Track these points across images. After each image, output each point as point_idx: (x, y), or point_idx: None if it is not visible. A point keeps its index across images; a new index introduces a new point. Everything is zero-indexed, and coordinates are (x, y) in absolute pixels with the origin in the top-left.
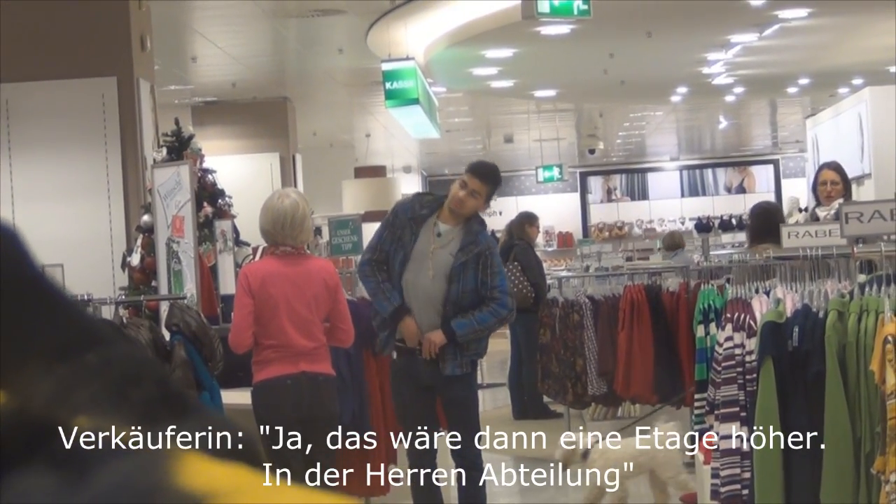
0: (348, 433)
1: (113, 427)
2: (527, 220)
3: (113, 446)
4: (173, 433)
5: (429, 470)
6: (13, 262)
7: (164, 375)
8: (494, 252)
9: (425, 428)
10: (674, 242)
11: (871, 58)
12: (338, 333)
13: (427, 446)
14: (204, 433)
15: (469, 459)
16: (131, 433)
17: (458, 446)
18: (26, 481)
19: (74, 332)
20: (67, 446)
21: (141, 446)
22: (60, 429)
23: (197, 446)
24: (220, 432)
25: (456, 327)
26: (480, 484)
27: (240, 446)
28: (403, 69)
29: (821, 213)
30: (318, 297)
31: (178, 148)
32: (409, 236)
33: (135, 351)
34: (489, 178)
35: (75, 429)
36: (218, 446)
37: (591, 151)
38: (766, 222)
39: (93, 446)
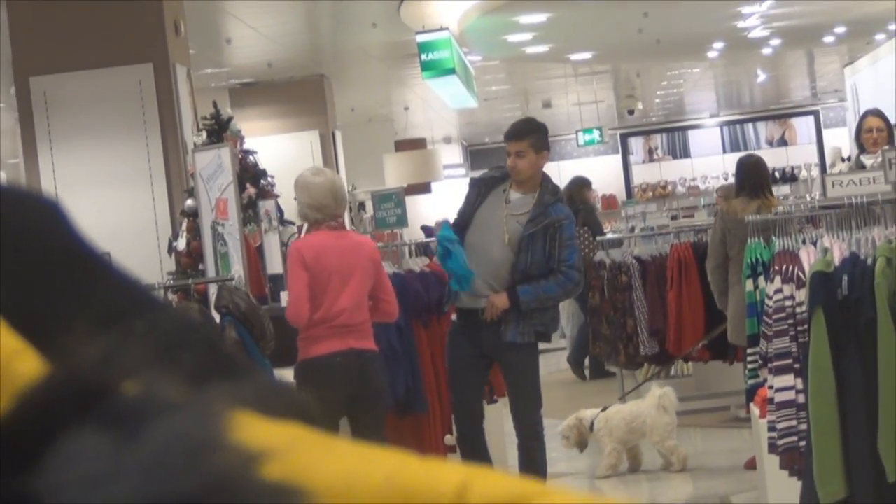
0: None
1: (163, 387)
2: (583, 184)
3: (165, 405)
4: (226, 392)
5: (475, 433)
6: (57, 231)
7: (216, 339)
8: (566, 225)
9: (473, 392)
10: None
11: None
12: (382, 306)
13: (473, 415)
14: (258, 393)
15: (528, 431)
16: (183, 393)
17: (517, 415)
18: (81, 440)
19: (123, 299)
20: (119, 407)
21: (194, 405)
22: (112, 390)
23: (251, 405)
24: (275, 392)
25: (521, 293)
26: (540, 456)
27: (294, 406)
28: (438, 40)
29: (867, 160)
30: (365, 270)
31: (218, 131)
32: (474, 196)
33: (185, 316)
34: (521, 133)
35: (127, 390)
36: (272, 406)
37: (631, 112)
38: (761, 173)
39: (145, 405)
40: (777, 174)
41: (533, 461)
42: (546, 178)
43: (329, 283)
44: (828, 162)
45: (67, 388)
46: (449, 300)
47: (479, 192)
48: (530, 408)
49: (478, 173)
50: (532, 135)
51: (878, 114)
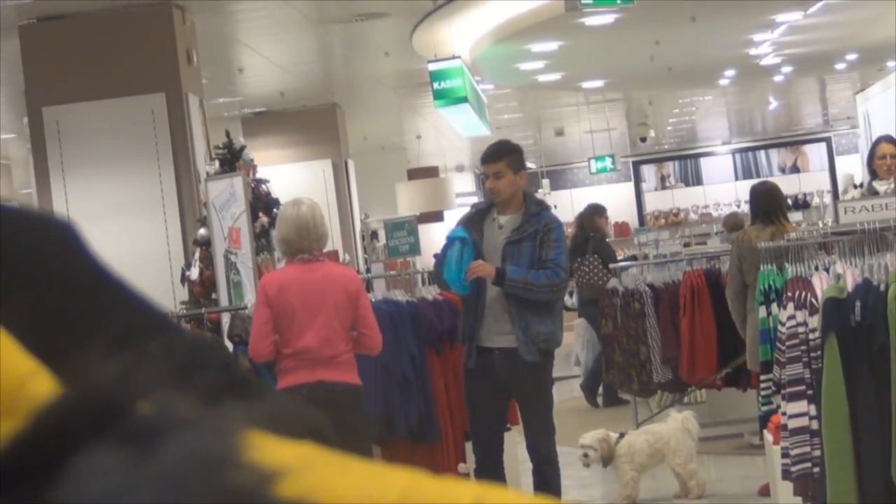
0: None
1: (178, 406)
2: (596, 212)
3: (180, 423)
4: (239, 413)
5: (495, 463)
6: (71, 253)
7: (230, 361)
8: (553, 228)
9: (494, 425)
10: (737, 223)
11: None
12: (363, 340)
13: (495, 443)
14: (272, 412)
15: (542, 455)
16: (198, 412)
17: (531, 441)
18: (96, 457)
19: (138, 320)
20: (133, 425)
21: (209, 423)
22: (127, 409)
23: (264, 425)
24: (288, 413)
25: (508, 271)
26: (555, 480)
27: (308, 426)
28: (450, 68)
29: (879, 186)
30: (338, 303)
31: (231, 160)
32: (476, 235)
33: (200, 338)
34: (497, 154)
35: (141, 408)
36: (286, 426)
37: (643, 140)
38: (775, 200)
39: (160, 423)
40: (789, 201)
41: (548, 484)
42: (528, 195)
43: (294, 317)
44: (840, 188)
45: (83, 406)
46: (471, 343)
47: (477, 230)
48: (545, 432)
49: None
50: (508, 156)
51: (890, 140)
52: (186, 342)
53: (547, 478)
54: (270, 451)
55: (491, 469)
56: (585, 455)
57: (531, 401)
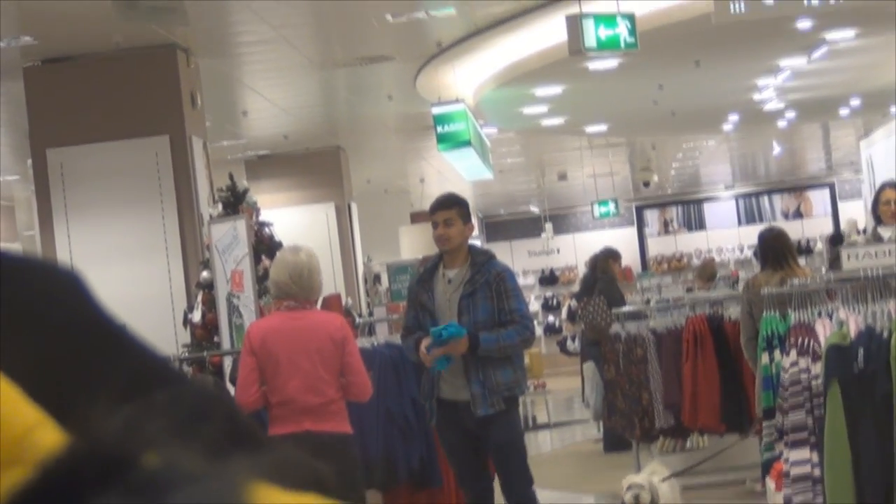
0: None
1: (183, 459)
2: (610, 256)
3: (185, 476)
4: (245, 464)
5: None
6: (77, 302)
7: (235, 412)
8: (507, 277)
9: (477, 474)
10: (712, 272)
11: None
12: (351, 388)
13: (482, 493)
14: (276, 464)
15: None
16: (201, 465)
17: (508, 493)
18: None
19: (143, 371)
20: (139, 478)
21: (213, 476)
22: (132, 461)
23: (269, 477)
24: (293, 464)
25: (481, 339)
26: None
27: (312, 478)
28: (454, 112)
29: (884, 232)
30: (323, 351)
31: (234, 202)
32: (426, 297)
33: (205, 388)
34: (449, 202)
35: (145, 463)
36: (290, 478)
37: (646, 184)
38: (784, 245)
39: (165, 476)
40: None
41: None
42: (472, 246)
43: (278, 366)
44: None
45: (88, 458)
46: (431, 400)
47: (426, 291)
48: (521, 482)
49: (494, 245)
50: (458, 205)
51: (894, 185)
52: (191, 393)
53: None
54: (275, 502)
55: None
56: (637, 497)
57: (501, 451)
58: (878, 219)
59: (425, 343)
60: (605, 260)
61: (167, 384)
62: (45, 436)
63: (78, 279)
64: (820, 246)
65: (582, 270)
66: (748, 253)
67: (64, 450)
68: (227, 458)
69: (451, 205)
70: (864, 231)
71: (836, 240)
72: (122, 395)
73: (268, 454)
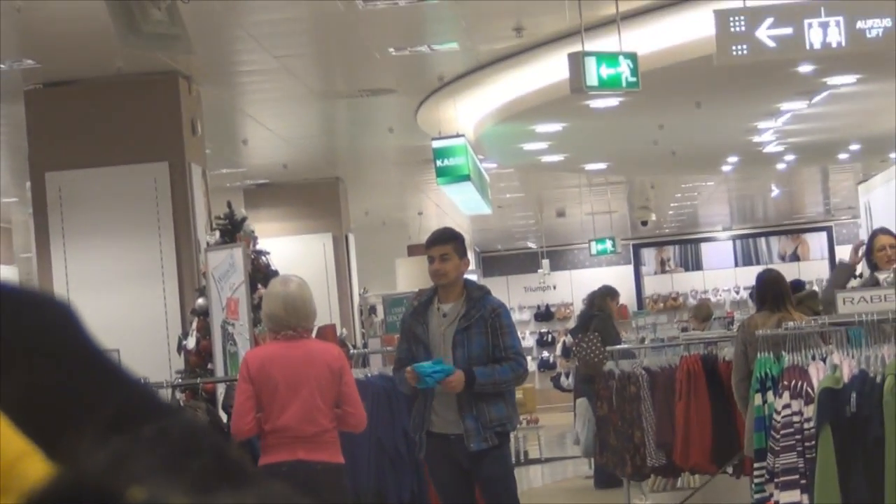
0: None
1: (168, 495)
2: (608, 294)
3: None
4: (229, 500)
5: None
6: (69, 336)
7: (222, 446)
8: (502, 313)
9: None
10: (708, 313)
11: None
12: (347, 418)
13: None
14: (261, 500)
15: None
16: (186, 500)
17: None
18: None
19: (132, 404)
20: None
21: None
22: (118, 495)
23: None
24: (277, 500)
25: (477, 374)
26: None
27: None
28: (454, 146)
29: (880, 276)
30: (320, 380)
31: (232, 231)
32: (421, 329)
33: (193, 422)
34: (445, 238)
35: (131, 497)
36: None
37: (644, 223)
38: (782, 287)
39: None
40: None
41: None
42: (468, 281)
43: (276, 394)
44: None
45: (74, 490)
46: (421, 433)
47: (421, 324)
48: None
49: (490, 280)
50: (454, 241)
51: (887, 231)
52: (179, 427)
53: None
54: None
55: None
56: None
57: (492, 486)
58: (873, 266)
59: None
60: (603, 297)
61: (155, 417)
62: (33, 466)
63: (69, 311)
64: (816, 289)
65: (578, 307)
66: (744, 294)
67: (50, 481)
68: (212, 494)
69: (448, 240)
70: (861, 276)
71: (796, 288)
72: (110, 428)
73: (253, 490)
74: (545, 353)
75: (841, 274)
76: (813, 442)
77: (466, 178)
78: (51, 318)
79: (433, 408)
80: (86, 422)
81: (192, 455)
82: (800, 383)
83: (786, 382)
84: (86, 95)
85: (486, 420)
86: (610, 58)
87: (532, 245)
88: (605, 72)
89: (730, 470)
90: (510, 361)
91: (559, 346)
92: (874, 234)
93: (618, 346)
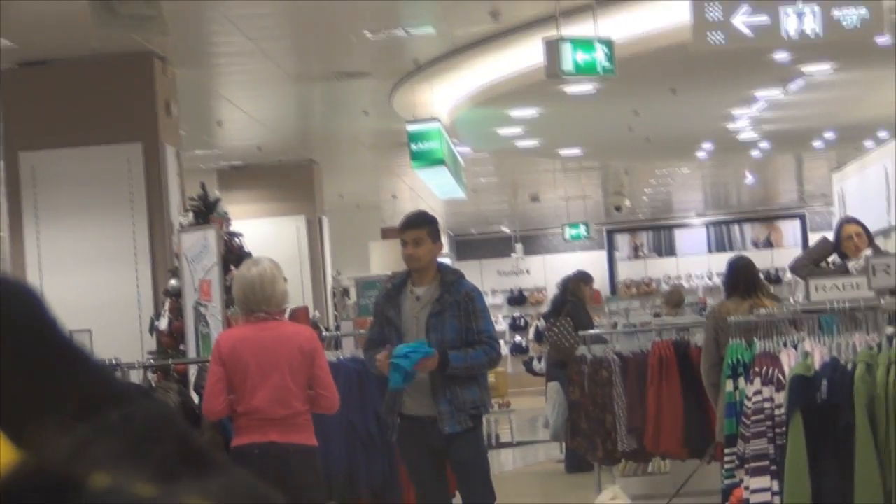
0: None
1: (132, 482)
2: (583, 279)
3: (132, 499)
4: (193, 488)
5: None
6: (34, 322)
7: (187, 432)
8: (475, 297)
9: (439, 492)
10: (680, 299)
11: None
12: (319, 400)
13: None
14: (225, 488)
15: None
16: (150, 487)
17: None
18: None
19: (97, 390)
20: (87, 499)
21: (159, 501)
22: (81, 482)
23: (217, 500)
24: (241, 489)
25: (451, 357)
26: None
27: (260, 502)
28: (429, 130)
29: (850, 264)
30: (292, 362)
31: (205, 212)
32: (393, 312)
33: (158, 409)
34: (419, 222)
35: (94, 484)
36: (238, 501)
37: (618, 209)
38: (754, 274)
39: (111, 499)
40: (762, 276)
41: None
42: (442, 265)
43: (247, 376)
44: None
45: (38, 478)
46: (393, 416)
47: (393, 307)
48: (483, 499)
49: (464, 264)
50: (428, 225)
51: (854, 220)
52: (144, 414)
53: None
54: None
55: None
56: None
57: (466, 469)
58: (842, 255)
59: (384, 355)
60: (577, 282)
61: (120, 404)
62: None
63: (33, 295)
64: (789, 276)
65: (551, 291)
66: (717, 280)
67: (13, 468)
68: (175, 481)
69: (421, 224)
70: (833, 263)
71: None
72: (75, 415)
73: (217, 477)
74: (518, 338)
75: (820, 249)
76: (783, 428)
77: (441, 162)
78: (14, 303)
79: (406, 390)
80: (50, 409)
81: (157, 442)
82: (771, 370)
83: (757, 369)
84: (61, 75)
85: (461, 403)
86: (586, 44)
87: (506, 229)
88: (581, 57)
89: (707, 459)
90: (483, 345)
91: (532, 331)
92: (840, 225)
93: (590, 332)
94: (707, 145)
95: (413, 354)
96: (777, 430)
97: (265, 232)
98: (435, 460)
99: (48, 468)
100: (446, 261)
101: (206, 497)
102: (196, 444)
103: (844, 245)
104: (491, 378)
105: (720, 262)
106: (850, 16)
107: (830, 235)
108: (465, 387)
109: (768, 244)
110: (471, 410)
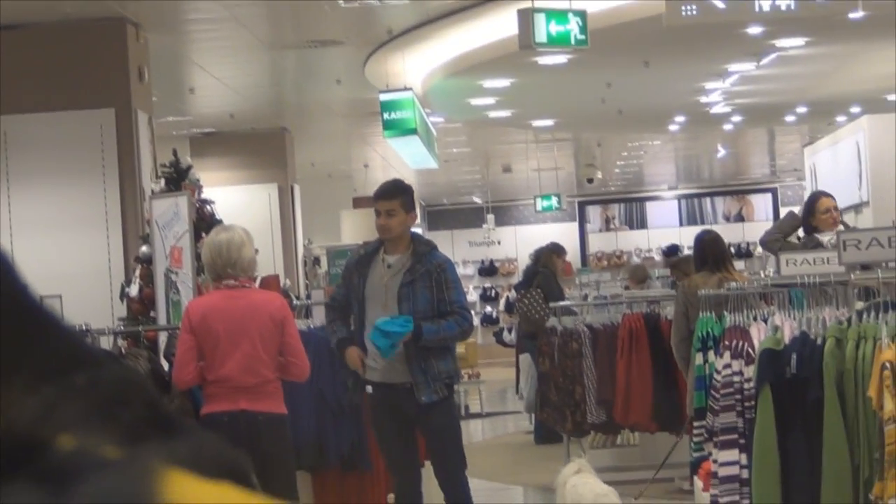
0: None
1: (98, 444)
2: (554, 251)
3: (98, 462)
4: (160, 451)
5: (414, 497)
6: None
7: (155, 397)
8: (447, 268)
9: (408, 460)
10: (644, 275)
11: (869, 86)
12: (290, 367)
13: (411, 479)
14: (193, 452)
15: (455, 490)
16: (117, 450)
17: (442, 479)
18: (10, 497)
19: (63, 353)
20: (51, 463)
21: (126, 462)
22: (46, 444)
23: (184, 465)
24: (210, 452)
25: (424, 329)
26: None
27: (228, 466)
28: (401, 99)
29: (823, 238)
30: (262, 331)
31: (177, 179)
32: (357, 279)
33: (125, 373)
34: (392, 192)
35: (60, 446)
36: (207, 466)
37: (590, 181)
38: (722, 248)
39: (78, 461)
40: (732, 250)
41: None
42: (416, 235)
43: (217, 345)
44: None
45: (1, 440)
46: (353, 395)
47: (360, 274)
48: (455, 468)
49: (435, 234)
50: (402, 195)
51: (829, 194)
52: (110, 376)
53: None
54: (188, 492)
55: (411, 502)
56: None
57: (440, 437)
58: (813, 229)
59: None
60: (549, 254)
61: (86, 367)
62: None
63: (2, 259)
64: (760, 250)
65: (522, 263)
66: (689, 254)
67: None
68: (143, 444)
69: (395, 195)
70: (799, 238)
71: (670, 254)
72: (40, 377)
73: (184, 441)
74: (488, 308)
75: (789, 223)
76: (752, 402)
77: (413, 131)
78: None
79: (375, 357)
80: (14, 371)
81: (124, 405)
82: (741, 343)
83: (727, 342)
84: (33, 40)
85: (435, 373)
86: (559, 15)
87: (478, 200)
88: (554, 28)
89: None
90: (456, 316)
91: (502, 302)
92: (816, 197)
93: (560, 303)
94: (679, 118)
95: (393, 335)
96: (746, 404)
97: (237, 199)
98: (405, 428)
99: (13, 429)
100: (417, 231)
101: (173, 460)
102: (164, 409)
103: (820, 219)
104: (461, 349)
105: (691, 235)
106: None
107: (799, 210)
108: (440, 357)
109: (740, 218)
110: (445, 380)
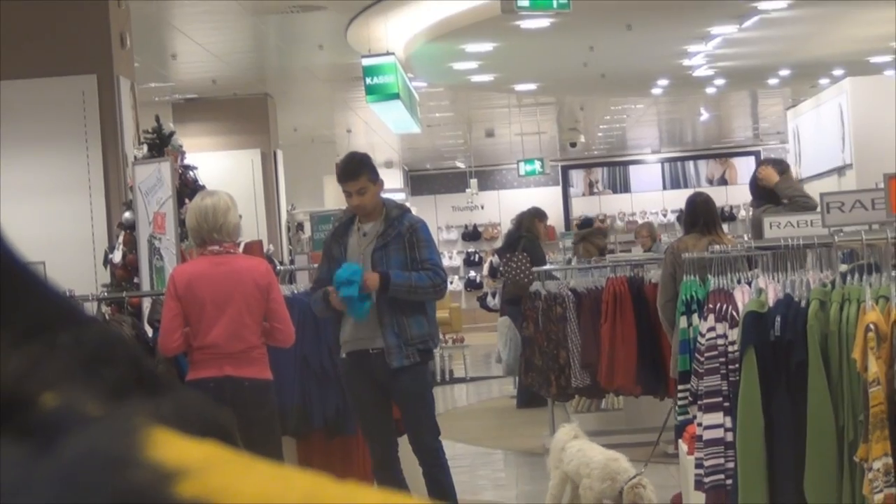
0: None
1: (83, 401)
2: (537, 215)
3: (82, 418)
4: (144, 408)
5: (391, 463)
6: None
7: (139, 356)
8: (420, 228)
9: (383, 425)
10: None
11: (852, 48)
12: (275, 333)
13: (387, 446)
14: (177, 410)
15: (429, 458)
16: (101, 407)
17: (416, 444)
18: None
19: (47, 311)
20: (35, 419)
21: (110, 419)
22: (29, 401)
23: (168, 422)
24: (194, 410)
25: (392, 276)
26: (445, 479)
27: (213, 425)
28: (383, 64)
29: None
30: (247, 297)
31: (159, 145)
32: (337, 249)
33: (110, 331)
34: (356, 171)
35: (44, 402)
36: (191, 424)
37: (573, 145)
38: (713, 211)
39: (62, 418)
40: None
41: (439, 485)
42: (387, 200)
43: (203, 312)
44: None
45: None
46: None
47: (339, 244)
48: (428, 433)
49: (418, 199)
50: (366, 170)
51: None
52: (95, 335)
53: (437, 479)
54: (173, 449)
55: (387, 468)
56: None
57: (410, 403)
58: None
59: (333, 291)
60: (532, 218)
61: (71, 326)
62: None
63: None
64: (743, 213)
65: (505, 227)
66: (671, 217)
67: None
68: (128, 401)
69: (360, 171)
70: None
71: (584, 225)
72: (24, 336)
73: (169, 399)
74: (472, 273)
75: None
76: (737, 365)
77: (396, 96)
78: None
79: (351, 323)
80: None
81: (109, 363)
82: (725, 306)
83: (711, 305)
84: (13, 6)
85: (408, 337)
86: None
87: (461, 165)
88: None
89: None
90: (427, 271)
91: (486, 266)
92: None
93: (544, 267)
94: (662, 81)
95: (354, 277)
96: (730, 367)
97: (219, 165)
98: (379, 394)
99: None
100: (401, 196)
101: (157, 418)
102: (149, 367)
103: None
104: (445, 313)
105: (674, 198)
106: None
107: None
108: (413, 319)
109: (723, 181)
110: (419, 346)
